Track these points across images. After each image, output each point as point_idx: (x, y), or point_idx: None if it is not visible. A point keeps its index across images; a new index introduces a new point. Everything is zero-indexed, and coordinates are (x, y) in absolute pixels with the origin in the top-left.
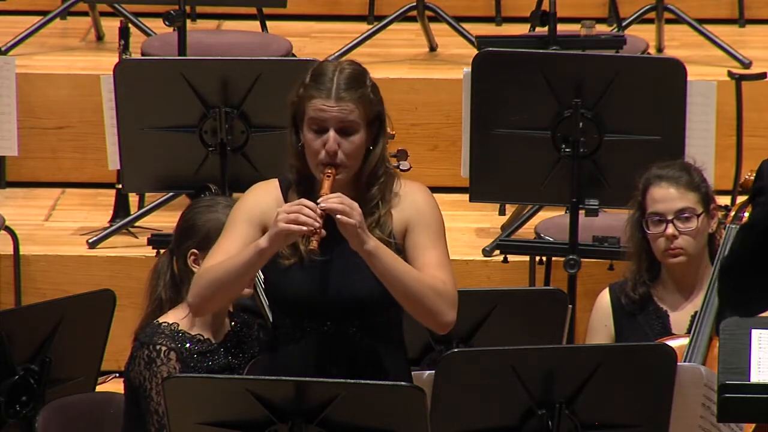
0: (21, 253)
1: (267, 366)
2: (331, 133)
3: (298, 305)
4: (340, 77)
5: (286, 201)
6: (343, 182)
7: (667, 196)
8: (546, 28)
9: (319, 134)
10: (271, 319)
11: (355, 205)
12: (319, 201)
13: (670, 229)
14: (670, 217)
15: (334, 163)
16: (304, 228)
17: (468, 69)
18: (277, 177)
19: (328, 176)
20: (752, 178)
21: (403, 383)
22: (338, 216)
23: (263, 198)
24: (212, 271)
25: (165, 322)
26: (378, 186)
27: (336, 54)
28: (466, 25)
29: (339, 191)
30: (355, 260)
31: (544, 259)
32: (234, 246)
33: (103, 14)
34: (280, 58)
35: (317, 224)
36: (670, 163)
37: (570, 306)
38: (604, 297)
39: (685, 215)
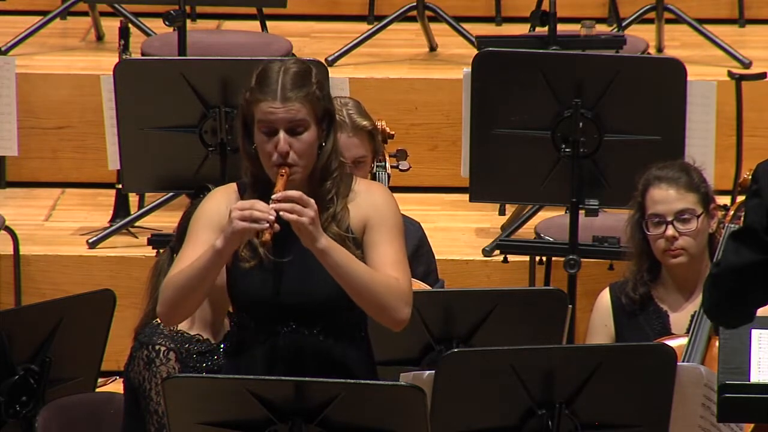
0: (21, 253)
1: (233, 368)
2: (281, 135)
3: (261, 308)
4: (285, 78)
5: None
6: (297, 180)
7: (666, 198)
8: (546, 28)
9: (270, 136)
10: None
11: (311, 201)
12: (273, 198)
13: (670, 231)
14: (669, 219)
15: (287, 163)
16: (257, 225)
17: (468, 69)
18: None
19: (281, 175)
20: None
21: (403, 383)
22: (286, 214)
23: (221, 203)
24: (175, 279)
25: None
26: (332, 180)
27: (336, 54)
28: (466, 25)
29: (294, 188)
30: (316, 261)
31: (544, 259)
32: (196, 254)
33: (103, 14)
34: (280, 58)
35: (271, 218)
36: (669, 164)
37: (570, 306)
38: (605, 297)
39: (685, 216)
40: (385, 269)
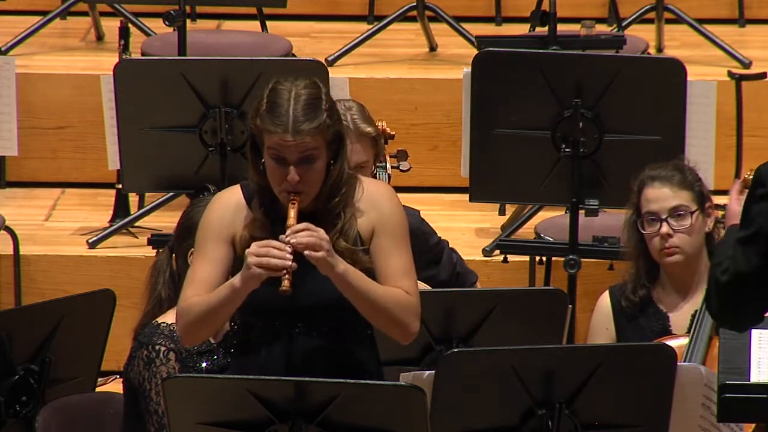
0: (21, 253)
1: (240, 368)
2: (292, 168)
3: (270, 308)
4: (297, 107)
5: (250, 208)
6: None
7: (660, 196)
8: (546, 28)
9: (280, 163)
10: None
11: (323, 234)
12: (287, 234)
13: (665, 228)
14: (664, 216)
15: (297, 191)
16: (276, 273)
17: (468, 69)
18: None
19: (293, 203)
20: (752, 177)
21: (403, 383)
22: (307, 252)
23: (226, 211)
24: (194, 309)
25: (164, 323)
26: (340, 197)
27: (336, 54)
28: (466, 25)
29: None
30: None
31: (544, 259)
32: (208, 271)
33: (103, 14)
34: (280, 58)
35: (288, 264)
36: (663, 164)
37: (570, 306)
38: (605, 300)
39: (679, 213)
40: (396, 280)
